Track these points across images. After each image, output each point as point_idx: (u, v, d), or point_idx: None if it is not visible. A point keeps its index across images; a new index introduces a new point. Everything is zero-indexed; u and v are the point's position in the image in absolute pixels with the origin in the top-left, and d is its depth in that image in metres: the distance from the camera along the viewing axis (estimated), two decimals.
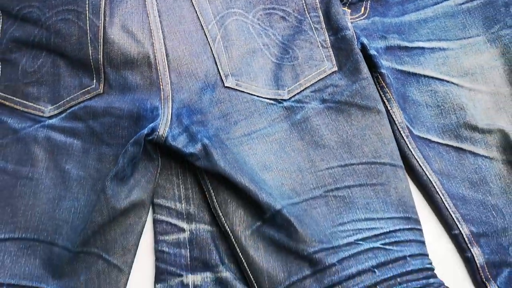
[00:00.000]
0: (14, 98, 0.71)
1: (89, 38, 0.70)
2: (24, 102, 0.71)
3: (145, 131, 0.65)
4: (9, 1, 0.73)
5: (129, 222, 0.66)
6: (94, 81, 0.70)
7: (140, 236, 0.67)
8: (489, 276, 0.68)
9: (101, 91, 0.70)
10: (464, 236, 0.70)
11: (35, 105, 0.70)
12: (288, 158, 0.69)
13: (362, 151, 0.69)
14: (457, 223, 0.70)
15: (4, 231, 0.65)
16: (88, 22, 0.70)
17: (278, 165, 0.69)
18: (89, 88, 0.70)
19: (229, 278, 0.68)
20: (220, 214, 0.67)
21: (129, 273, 0.66)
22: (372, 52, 0.74)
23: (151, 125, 0.66)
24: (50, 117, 0.70)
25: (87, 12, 0.70)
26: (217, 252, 0.69)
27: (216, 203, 0.68)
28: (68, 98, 0.70)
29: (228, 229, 0.67)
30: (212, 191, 0.68)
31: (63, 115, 0.70)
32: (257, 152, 0.69)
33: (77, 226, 0.65)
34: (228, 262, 0.68)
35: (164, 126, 0.67)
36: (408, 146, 0.73)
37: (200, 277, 0.68)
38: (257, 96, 0.71)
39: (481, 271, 0.69)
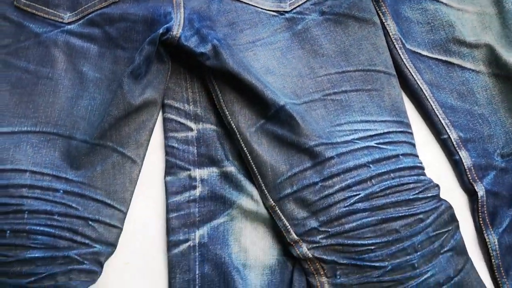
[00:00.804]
0: (36, 5, 0.73)
1: None
2: (45, 9, 0.73)
3: (161, 30, 0.69)
4: None
5: (142, 119, 0.69)
6: None
7: (152, 133, 0.70)
8: (476, 178, 0.72)
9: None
10: (453, 141, 0.74)
11: (55, 12, 0.73)
12: (290, 64, 0.72)
13: (358, 59, 0.72)
14: (446, 128, 0.74)
15: (26, 124, 0.67)
16: None
17: (280, 70, 0.72)
18: None
19: (233, 172, 0.70)
20: (226, 112, 0.70)
21: (141, 165, 0.69)
22: None
23: (166, 25, 0.69)
24: (69, 23, 0.72)
25: None
26: (222, 149, 0.72)
27: (223, 103, 0.71)
28: (86, 6, 0.73)
29: (234, 126, 0.70)
30: (219, 91, 0.71)
31: (81, 21, 0.72)
32: (260, 58, 0.72)
33: (93, 122, 0.68)
34: (232, 159, 0.71)
35: (177, 28, 0.70)
36: (401, 57, 0.76)
37: (207, 171, 0.71)
38: (261, 8, 0.74)
39: (468, 173, 0.73)
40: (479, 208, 0.72)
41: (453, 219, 0.67)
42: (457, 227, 0.67)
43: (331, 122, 0.69)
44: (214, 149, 0.71)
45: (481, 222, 0.71)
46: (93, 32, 0.72)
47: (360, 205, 0.65)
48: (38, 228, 0.62)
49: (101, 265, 0.65)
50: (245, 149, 0.69)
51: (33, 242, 0.62)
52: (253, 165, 0.68)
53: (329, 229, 0.65)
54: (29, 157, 0.65)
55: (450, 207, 0.67)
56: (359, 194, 0.65)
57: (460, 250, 0.66)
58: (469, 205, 0.74)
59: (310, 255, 0.65)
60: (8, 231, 0.62)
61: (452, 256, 0.66)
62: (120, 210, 0.67)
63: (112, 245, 0.66)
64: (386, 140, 0.68)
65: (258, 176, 0.68)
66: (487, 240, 0.70)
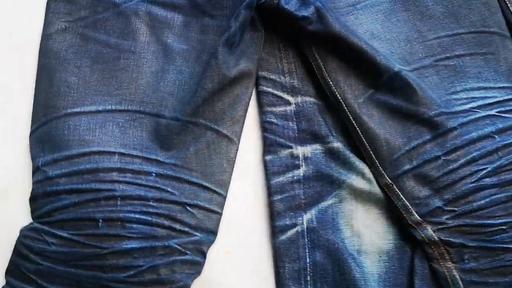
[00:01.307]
0: None
1: None
2: None
3: None
4: None
5: (237, 93, 0.62)
6: None
7: (247, 108, 0.63)
8: None
9: None
10: None
11: None
12: (395, 28, 0.65)
13: (470, 20, 0.65)
14: None
15: (110, 102, 0.61)
16: None
17: (386, 35, 0.65)
18: None
19: (339, 148, 0.63)
20: (330, 83, 0.63)
21: (238, 143, 0.62)
22: None
23: None
24: None
25: None
26: (325, 124, 0.64)
27: (325, 72, 0.63)
28: None
29: (340, 98, 0.63)
30: (320, 60, 0.64)
31: None
32: (363, 22, 0.65)
33: (182, 97, 0.61)
34: (336, 134, 0.64)
35: None
36: None
37: (310, 148, 0.64)
38: None
39: None
40: None
41: None
42: None
43: (446, 90, 0.62)
44: (316, 123, 0.64)
45: None
46: (176, 1, 0.65)
47: (488, 180, 0.58)
48: (133, 215, 0.56)
49: (204, 255, 0.58)
50: (353, 122, 0.62)
51: (128, 231, 0.56)
52: (364, 140, 0.61)
53: (456, 208, 0.58)
54: (116, 138, 0.59)
55: None
56: (486, 168, 0.58)
57: None
58: None
59: (436, 238, 0.58)
60: (101, 220, 0.56)
61: None
62: (218, 194, 0.60)
63: (213, 233, 0.60)
64: (507, 108, 0.61)
65: (371, 152, 0.61)
66: None
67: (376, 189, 0.62)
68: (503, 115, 0.61)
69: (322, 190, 0.63)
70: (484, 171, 0.58)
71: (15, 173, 0.62)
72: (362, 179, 0.62)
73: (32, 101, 0.63)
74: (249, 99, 0.63)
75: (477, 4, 0.66)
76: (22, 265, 0.57)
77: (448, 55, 0.64)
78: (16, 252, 0.58)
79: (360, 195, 0.62)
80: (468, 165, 0.59)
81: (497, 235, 0.57)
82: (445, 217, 0.58)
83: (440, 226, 0.58)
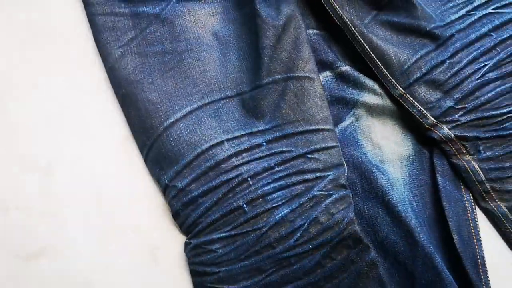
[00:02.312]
0: None
1: None
2: None
3: None
4: None
5: (294, 36, 0.62)
6: None
7: (309, 44, 0.63)
8: None
9: None
10: None
11: None
12: None
13: None
14: None
15: (194, 101, 0.61)
16: None
17: None
18: None
19: (348, 71, 0.66)
20: (336, 7, 0.64)
21: (319, 79, 0.62)
22: None
23: None
24: None
25: None
26: (331, 51, 0.67)
27: None
28: None
29: (347, 21, 0.64)
30: None
31: None
32: None
33: (251, 67, 0.62)
34: (343, 59, 0.66)
35: None
36: None
37: (321, 76, 0.66)
38: None
39: None
40: None
41: None
42: None
43: (441, 0, 0.64)
44: (322, 52, 0.66)
45: None
46: None
47: (491, 75, 0.61)
48: (269, 187, 0.58)
49: (345, 187, 0.60)
50: (363, 42, 0.63)
51: (272, 203, 0.58)
52: (375, 57, 0.63)
53: (466, 105, 0.61)
54: (216, 129, 0.60)
55: None
56: (487, 64, 0.61)
57: None
58: None
59: (452, 135, 0.62)
60: (244, 205, 0.58)
61: None
62: (327, 130, 0.61)
63: (340, 165, 0.60)
64: (504, 2, 0.63)
65: (382, 67, 0.63)
66: None
67: (388, 103, 0.65)
68: (499, 10, 0.63)
69: (339, 112, 0.66)
70: (486, 67, 0.61)
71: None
72: (374, 95, 0.65)
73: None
74: (306, 35, 0.63)
75: None
76: (205, 282, 0.58)
77: None
78: (194, 273, 0.59)
79: (375, 110, 0.65)
80: (471, 64, 0.61)
81: (506, 122, 0.61)
82: (457, 115, 0.61)
83: (454, 124, 0.61)
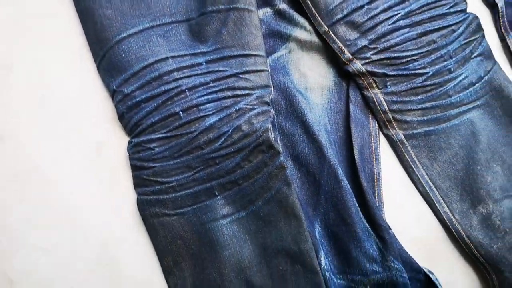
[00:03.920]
0: None
1: None
2: None
3: None
4: None
5: None
6: None
7: None
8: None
9: None
10: None
11: None
12: None
13: None
14: None
15: (147, 21, 0.67)
16: None
17: None
18: None
19: (285, 8, 0.73)
20: None
21: (256, 12, 0.69)
22: None
23: None
24: None
25: None
26: None
27: None
28: None
29: None
30: None
31: None
32: None
33: None
34: None
35: None
36: None
37: (262, 12, 0.74)
38: None
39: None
40: (500, 18, 0.77)
41: (479, 28, 0.72)
42: (483, 35, 0.72)
43: None
44: None
45: (502, 30, 0.76)
46: None
47: (401, 22, 0.70)
48: (203, 98, 0.65)
49: (268, 104, 0.68)
50: None
51: (205, 112, 0.65)
52: None
53: (378, 46, 0.70)
54: (163, 47, 0.66)
55: (476, 17, 0.72)
56: (399, 12, 0.70)
57: (488, 54, 0.72)
58: (491, 16, 0.79)
59: (364, 70, 0.71)
60: (181, 112, 0.65)
61: (481, 60, 0.72)
62: (259, 55, 0.68)
63: (267, 86, 0.68)
64: None
65: (311, 6, 0.71)
66: (509, 44, 0.76)
67: (316, 39, 0.73)
68: None
69: (274, 44, 0.74)
70: (398, 15, 0.69)
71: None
72: (304, 31, 0.73)
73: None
74: None
75: None
76: (142, 174, 0.66)
77: None
78: (133, 167, 0.67)
79: (304, 45, 0.74)
80: (386, 11, 0.70)
81: (410, 63, 0.70)
82: (370, 53, 0.70)
83: (366, 61, 0.70)
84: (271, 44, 0.73)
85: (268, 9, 0.74)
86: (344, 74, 0.74)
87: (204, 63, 0.67)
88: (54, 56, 0.71)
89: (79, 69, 0.71)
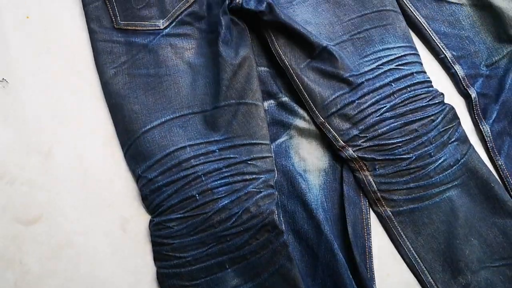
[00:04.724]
0: (134, 22, 0.80)
1: None
2: (142, 23, 0.80)
3: (227, 2, 0.79)
4: None
5: (247, 71, 0.78)
6: None
7: (258, 79, 0.80)
8: (469, 84, 0.86)
9: None
10: (448, 58, 0.88)
11: (151, 23, 0.80)
12: (321, 15, 0.84)
13: (372, 3, 0.84)
14: (442, 50, 0.88)
15: (167, 114, 0.77)
16: None
17: (315, 20, 0.83)
18: None
19: (287, 101, 0.83)
20: (281, 53, 0.82)
21: (262, 106, 0.79)
22: None
23: None
24: (165, 28, 0.80)
25: None
26: (276, 85, 0.84)
27: (277, 46, 0.82)
28: (173, 10, 0.81)
29: (287, 64, 0.81)
30: (273, 37, 0.82)
31: (174, 23, 0.80)
32: (298, 13, 0.84)
33: (213, 92, 0.77)
34: (284, 91, 0.84)
35: None
36: (402, 0, 0.90)
37: (267, 103, 0.84)
38: None
39: (462, 82, 0.87)
40: (474, 107, 0.86)
41: (455, 117, 0.81)
42: (459, 123, 0.81)
43: (360, 55, 0.82)
44: (269, 85, 0.84)
45: (476, 117, 0.85)
46: (187, 30, 0.81)
47: (387, 114, 0.78)
48: (216, 183, 0.73)
49: (273, 187, 0.75)
50: (297, 81, 0.81)
51: (218, 194, 0.72)
52: (305, 93, 0.80)
53: (367, 135, 0.79)
54: (182, 136, 0.75)
55: (452, 108, 0.81)
56: (385, 106, 0.79)
57: (463, 139, 0.81)
58: (466, 105, 0.88)
59: (355, 156, 0.80)
60: (197, 195, 0.72)
61: (458, 145, 0.80)
62: (265, 144, 0.77)
63: (272, 170, 0.76)
64: (403, 61, 0.81)
65: (309, 101, 0.81)
66: (482, 129, 0.85)
67: (313, 127, 0.83)
68: (400, 67, 0.81)
69: (277, 131, 0.83)
70: (384, 108, 0.78)
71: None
72: (303, 121, 0.83)
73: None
74: (257, 73, 0.80)
75: None
76: (162, 250, 0.73)
77: (359, 30, 0.83)
78: (154, 243, 0.74)
79: (304, 132, 0.83)
80: (373, 105, 0.79)
81: (395, 150, 0.78)
82: (360, 141, 0.79)
83: (357, 148, 0.79)
84: (275, 131, 0.83)
85: (272, 101, 0.84)
86: (338, 157, 0.83)
87: (217, 151, 0.75)
88: (89, 143, 0.81)
89: (110, 155, 0.80)
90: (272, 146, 0.82)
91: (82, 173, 0.79)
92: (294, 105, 0.83)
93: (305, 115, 0.83)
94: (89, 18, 0.83)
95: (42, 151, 0.80)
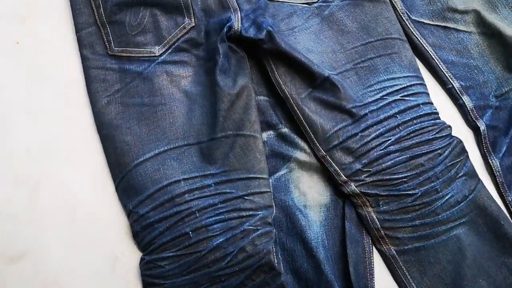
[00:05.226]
0: (129, 49, 0.77)
1: None
2: (137, 49, 0.77)
3: (225, 29, 0.76)
4: None
5: (245, 102, 0.75)
6: (186, 18, 0.78)
7: (256, 109, 0.76)
8: (477, 116, 0.83)
9: (194, 24, 0.79)
10: (456, 89, 0.84)
11: (146, 49, 0.77)
12: (323, 43, 0.81)
13: (377, 31, 0.82)
14: (450, 80, 0.84)
15: (161, 145, 0.73)
16: None
17: (317, 48, 0.80)
18: (184, 24, 0.78)
19: (287, 132, 0.80)
20: (281, 83, 0.78)
21: (261, 138, 0.75)
22: None
23: (228, 24, 0.77)
24: (160, 55, 0.77)
25: None
26: (276, 115, 0.81)
27: (277, 75, 0.79)
28: (169, 37, 0.78)
29: (288, 94, 0.78)
30: (273, 66, 0.79)
31: (170, 50, 0.77)
32: (300, 41, 0.81)
33: (210, 122, 0.74)
34: (284, 122, 0.81)
35: (237, 23, 0.77)
36: (408, 26, 0.86)
37: (266, 134, 0.80)
38: (293, 2, 0.83)
39: (471, 113, 0.84)
40: (482, 140, 0.82)
41: (463, 151, 0.78)
42: (467, 156, 0.78)
43: (363, 85, 0.78)
44: (269, 115, 0.81)
45: (485, 150, 0.82)
46: (183, 57, 0.78)
47: (392, 148, 0.75)
48: (211, 219, 0.69)
49: (270, 224, 0.71)
50: (298, 112, 0.77)
51: (212, 232, 0.69)
52: (305, 124, 0.77)
53: (371, 169, 0.75)
54: (176, 169, 0.72)
55: (460, 142, 0.78)
56: (390, 139, 0.75)
57: (472, 174, 0.78)
58: (474, 138, 0.84)
59: (358, 191, 0.76)
60: (191, 232, 0.69)
61: (466, 180, 0.77)
62: (262, 178, 0.73)
63: (270, 206, 0.73)
64: (409, 92, 0.78)
65: (310, 133, 0.77)
66: (491, 164, 0.81)
67: (314, 161, 0.79)
68: (406, 98, 0.77)
69: (276, 164, 0.79)
70: (389, 141, 0.75)
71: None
72: (304, 154, 0.79)
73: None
74: (256, 103, 0.77)
75: (382, 19, 0.82)
76: None
77: (363, 59, 0.80)
78: (144, 283, 0.70)
79: (304, 165, 0.80)
80: (377, 138, 0.75)
81: (400, 185, 0.74)
82: (363, 176, 0.75)
83: (360, 183, 0.76)
84: (274, 164, 0.79)
85: (271, 132, 0.80)
86: (340, 192, 0.79)
87: (213, 185, 0.72)
88: (79, 176, 0.77)
89: (100, 189, 0.76)
90: (270, 180, 0.78)
91: (71, 207, 0.75)
92: (295, 136, 0.80)
93: (306, 147, 0.79)
94: (82, 44, 0.79)
95: (29, 184, 0.76)
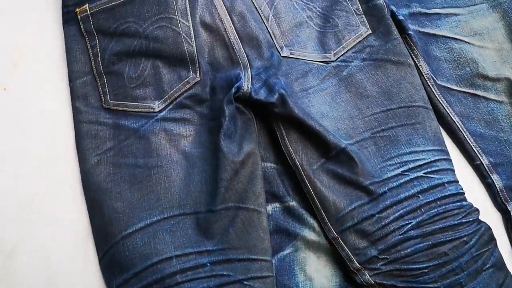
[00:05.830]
0: (125, 102, 0.70)
1: (183, 37, 0.71)
2: (135, 103, 0.70)
3: (233, 90, 0.68)
4: (105, 22, 0.72)
5: (250, 170, 0.67)
6: (191, 72, 0.71)
7: (262, 179, 0.69)
8: (508, 198, 0.75)
9: (199, 79, 0.71)
10: (485, 166, 0.76)
11: (144, 104, 0.70)
12: (340, 108, 0.73)
13: (400, 97, 0.74)
14: (478, 155, 0.76)
15: (154, 214, 0.65)
16: (179, 24, 0.71)
17: (333, 113, 0.73)
18: (188, 79, 0.71)
19: (295, 206, 0.71)
20: (291, 151, 0.70)
21: (266, 213, 0.68)
22: (400, 17, 0.78)
23: (236, 84, 0.69)
24: (160, 111, 0.70)
25: (177, 17, 0.71)
26: (283, 186, 0.73)
27: (288, 142, 0.70)
28: (171, 92, 0.71)
29: (298, 164, 0.70)
30: (284, 132, 0.71)
31: (170, 106, 0.70)
32: (315, 104, 0.73)
33: (210, 191, 0.67)
34: (292, 194, 0.72)
35: (247, 84, 0.70)
36: (434, 93, 0.78)
37: (270, 207, 0.72)
38: (309, 60, 0.75)
39: (500, 194, 0.75)
40: None
41: (492, 238, 0.69)
42: (496, 245, 0.69)
43: (383, 157, 0.71)
44: (275, 185, 0.72)
45: None
46: (185, 114, 0.70)
47: (412, 233, 0.67)
48: None
49: None
50: (308, 185, 0.69)
51: None
52: (316, 200, 0.69)
53: (388, 256, 0.67)
54: (168, 244, 0.64)
55: (489, 228, 0.70)
56: (411, 222, 0.67)
57: (500, 265, 0.69)
58: (503, 223, 0.76)
59: (372, 282, 0.67)
60: None
61: (493, 272, 0.68)
62: (265, 260, 0.65)
63: None
64: (433, 168, 0.70)
65: (321, 210, 0.69)
66: None
67: (324, 241, 0.70)
68: (429, 175, 0.69)
69: (281, 241, 0.71)
70: (409, 225, 0.67)
71: None
72: (313, 232, 0.71)
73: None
74: (262, 172, 0.69)
75: (405, 83, 0.74)
76: None
77: (383, 127, 0.72)
78: None
79: (312, 245, 0.71)
80: (397, 220, 0.67)
81: (420, 277, 0.66)
82: (379, 263, 0.67)
83: (375, 272, 0.67)
84: (278, 241, 0.70)
85: (277, 205, 0.72)
86: (351, 280, 0.70)
87: (208, 264, 0.63)
88: (59, 244, 0.69)
89: (81, 260, 0.68)
90: (273, 261, 0.69)
91: (47, 278, 0.67)
92: (303, 211, 0.71)
93: (315, 224, 0.71)
94: (75, 95, 0.72)
95: (4, 250, 0.67)
